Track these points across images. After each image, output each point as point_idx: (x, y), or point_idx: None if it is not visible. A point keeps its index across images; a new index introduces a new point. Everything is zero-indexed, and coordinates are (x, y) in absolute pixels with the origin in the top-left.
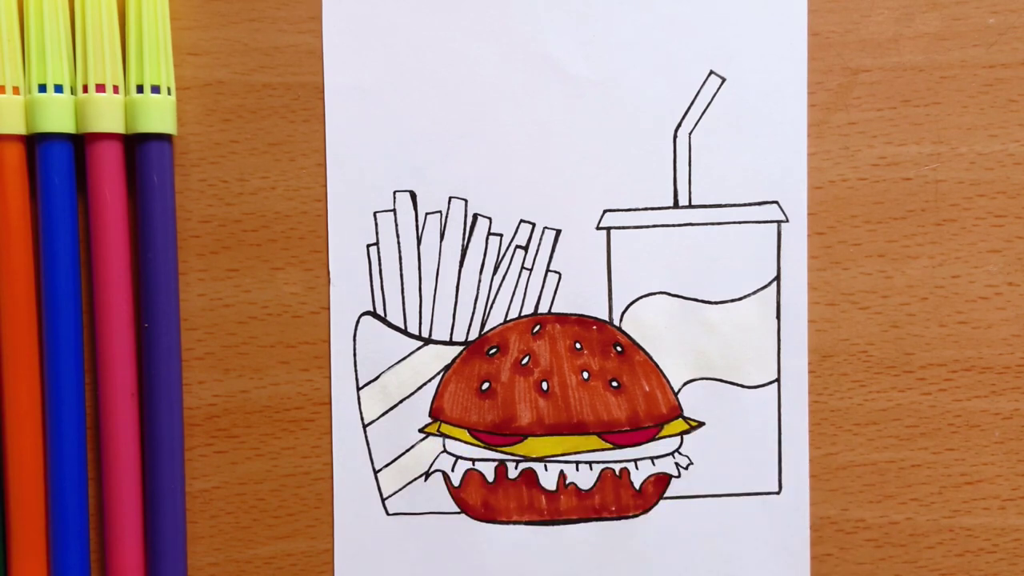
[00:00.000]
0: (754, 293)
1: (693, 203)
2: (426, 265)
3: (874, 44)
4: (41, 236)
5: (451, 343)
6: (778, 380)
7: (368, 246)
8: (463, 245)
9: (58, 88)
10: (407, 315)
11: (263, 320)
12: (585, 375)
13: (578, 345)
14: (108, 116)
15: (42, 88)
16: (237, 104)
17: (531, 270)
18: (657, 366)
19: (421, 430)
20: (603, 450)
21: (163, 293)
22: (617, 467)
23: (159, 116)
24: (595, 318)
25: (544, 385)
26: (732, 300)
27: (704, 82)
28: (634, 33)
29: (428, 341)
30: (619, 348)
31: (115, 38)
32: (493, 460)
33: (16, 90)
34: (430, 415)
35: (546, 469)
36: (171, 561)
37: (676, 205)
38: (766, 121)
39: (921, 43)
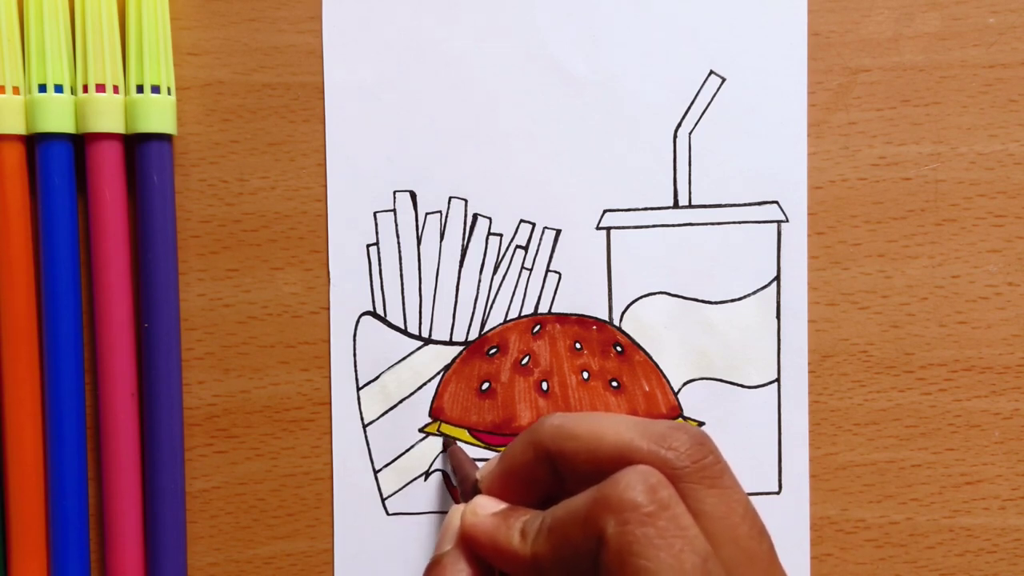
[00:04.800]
0: (754, 293)
1: (693, 203)
2: (426, 265)
3: (874, 44)
4: (41, 236)
5: (451, 343)
6: (778, 380)
7: (368, 246)
8: (463, 245)
9: (58, 88)
10: (407, 315)
11: (263, 320)
12: (585, 375)
13: (578, 345)
14: (108, 116)
15: (42, 88)
16: (237, 104)
17: (531, 270)
18: (657, 366)
19: (421, 430)
20: None
21: (163, 293)
22: None
23: (159, 116)
24: (595, 318)
25: (544, 385)
26: (732, 300)
27: (704, 82)
28: (634, 33)
29: (428, 341)
30: (619, 348)
31: (115, 38)
32: None
33: (16, 90)
34: (430, 415)
35: None
36: (171, 561)
37: (676, 205)
38: (766, 121)
39: (921, 43)
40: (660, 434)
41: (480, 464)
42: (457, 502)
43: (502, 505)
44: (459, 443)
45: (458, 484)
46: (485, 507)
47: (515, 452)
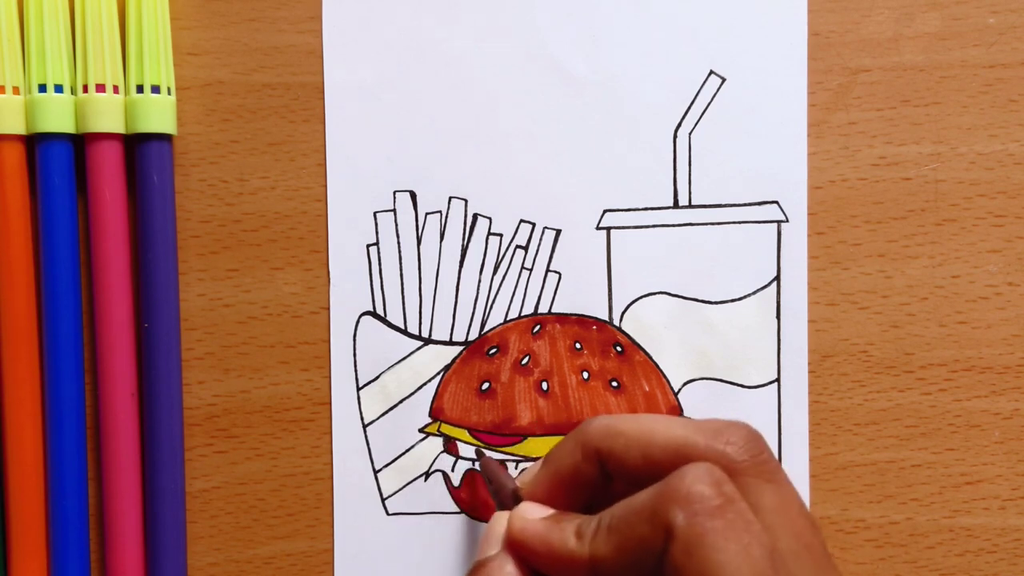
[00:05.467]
0: (754, 293)
1: (693, 203)
2: (426, 265)
3: (874, 44)
4: (41, 236)
5: (451, 343)
6: (778, 380)
7: (368, 246)
8: (463, 245)
9: (58, 88)
10: (407, 315)
11: (263, 320)
12: (585, 375)
13: (578, 345)
14: (108, 116)
15: (42, 88)
16: (237, 104)
17: (531, 270)
18: (657, 366)
19: (421, 430)
20: None
21: (163, 293)
22: None
23: (159, 116)
24: (595, 318)
25: (544, 385)
26: (732, 300)
27: (704, 82)
28: (634, 33)
29: (428, 341)
30: (619, 348)
31: (115, 38)
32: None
33: (16, 90)
34: (430, 415)
35: None
36: (171, 561)
37: (676, 205)
38: (766, 121)
39: (921, 43)
40: (716, 430)
41: (479, 464)
42: (463, 507)
43: (549, 510)
44: (459, 443)
45: (494, 494)
46: (533, 512)
47: (561, 455)
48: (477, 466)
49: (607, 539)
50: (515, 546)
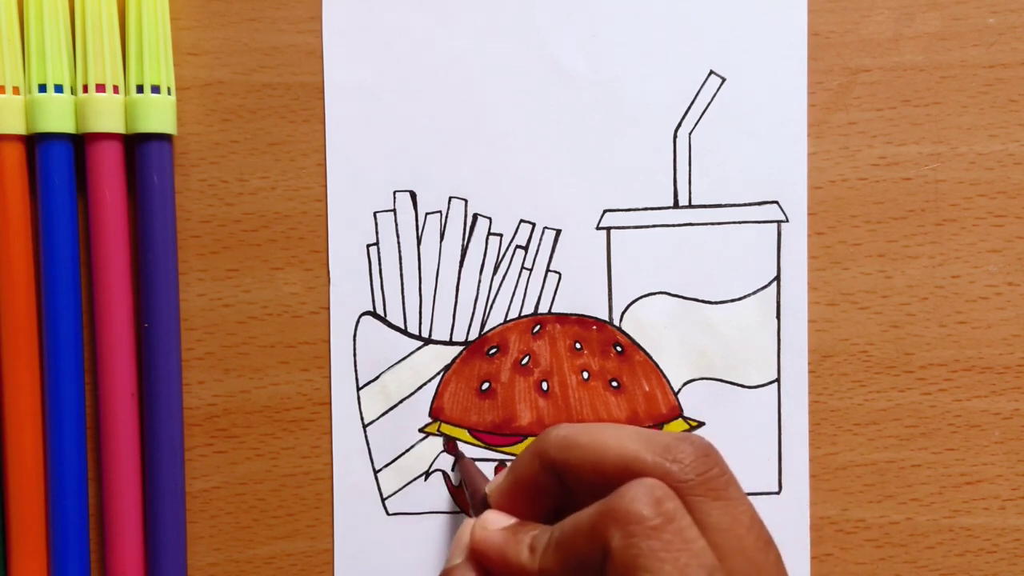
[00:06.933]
0: (754, 293)
1: (693, 203)
2: (426, 265)
3: (874, 44)
4: (41, 236)
5: (451, 343)
6: (778, 380)
7: (368, 246)
8: (463, 245)
9: (58, 88)
10: (407, 315)
11: (263, 320)
12: (585, 375)
13: (578, 345)
14: (108, 116)
15: (42, 88)
16: (237, 104)
17: (531, 270)
18: (657, 366)
19: (421, 430)
20: None
21: (163, 293)
22: None
23: (159, 116)
24: (595, 318)
25: (544, 385)
26: (732, 300)
27: (704, 82)
28: (634, 33)
29: (428, 341)
30: (619, 348)
31: (115, 38)
32: (493, 460)
33: (16, 90)
34: (430, 415)
35: None
36: (171, 561)
37: (676, 205)
38: (766, 121)
39: (921, 43)
40: (665, 446)
41: (478, 464)
42: (463, 507)
43: (511, 520)
44: (468, 456)
45: (469, 498)
46: (495, 522)
47: (522, 464)
48: (451, 471)
49: (554, 555)
50: (476, 556)
